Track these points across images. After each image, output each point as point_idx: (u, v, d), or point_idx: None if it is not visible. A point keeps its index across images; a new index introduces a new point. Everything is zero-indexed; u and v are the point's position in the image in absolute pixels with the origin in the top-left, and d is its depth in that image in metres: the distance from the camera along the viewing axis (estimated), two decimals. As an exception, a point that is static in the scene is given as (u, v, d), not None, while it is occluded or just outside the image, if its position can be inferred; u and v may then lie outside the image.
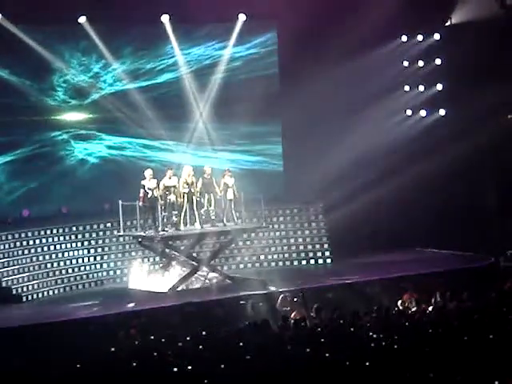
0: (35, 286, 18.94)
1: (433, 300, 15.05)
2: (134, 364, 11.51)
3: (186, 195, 18.67)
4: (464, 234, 21.25)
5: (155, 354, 12.08)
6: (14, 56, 20.94)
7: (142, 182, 18.61)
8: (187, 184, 18.68)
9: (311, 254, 21.90)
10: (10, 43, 20.60)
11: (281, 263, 21.51)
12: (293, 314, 14.60)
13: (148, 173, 18.72)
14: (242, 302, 16.87)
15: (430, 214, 22.35)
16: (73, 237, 20.27)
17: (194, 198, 18.72)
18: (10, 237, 19.48)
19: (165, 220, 18.64)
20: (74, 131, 21.99)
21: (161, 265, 19.82)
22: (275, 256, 21.54)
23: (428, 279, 17.66)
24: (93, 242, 20.39)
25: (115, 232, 20.09)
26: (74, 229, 20.41)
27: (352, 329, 13.05)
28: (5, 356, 13.47)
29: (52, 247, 19.88)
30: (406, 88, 23.50)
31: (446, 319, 13.32)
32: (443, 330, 12.27)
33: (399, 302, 15.35)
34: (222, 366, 11.04)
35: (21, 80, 21.11)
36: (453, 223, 21.69)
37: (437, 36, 23.12)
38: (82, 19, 21.10)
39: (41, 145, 21.56)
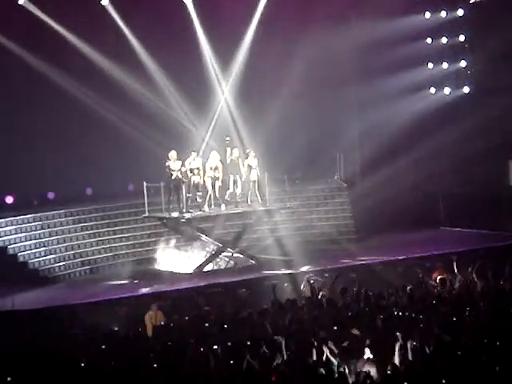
0: (62, 268, 19.05)
1: (459, 279, 14.96)
2: (160, 343, 11.62)
3: (210, 179, 18.63)
4: (491, 212, 21.08)
5: (181, 334, 12.16)
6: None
7: (167, 164, 18.58)
8: (212, 169, 18.61)
9: (335, 234, 21.73)
10: (33, 26, 20.63)
11: (305, 243, 21.32)
12: (321, 294, 14.55)
13: (172, 154, 18.69)
14: (266, 283, 16.85)
15: (455, 192, 22.20)
16: (98, 218, 20.38)
17: (217, 182, 18.66)
18: (36, 218, 19.63)
19: (189, 201, 18.65)
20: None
21: (185, 246, 19.83)
22: (299, 236, 21.37)
23: (454, 258, 17.51)
24: (118, 224, 20.48)
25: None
26: (100, 210, 20.53)
27: (378, 308, 13.04)
28: (32, 337, 13.59)
29: (78, 229, 19.99)
30: (430, 65, 23.32)
31: (473, 298, 13.26)
32: (470, 309, 12.23)
33: (428, 281, 15.26)
34: (248, 344, 11.10)
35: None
36: (479, 202, 21.51)
37: (460, 12, 22.88)
38: (105, 1, 21.10)
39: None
